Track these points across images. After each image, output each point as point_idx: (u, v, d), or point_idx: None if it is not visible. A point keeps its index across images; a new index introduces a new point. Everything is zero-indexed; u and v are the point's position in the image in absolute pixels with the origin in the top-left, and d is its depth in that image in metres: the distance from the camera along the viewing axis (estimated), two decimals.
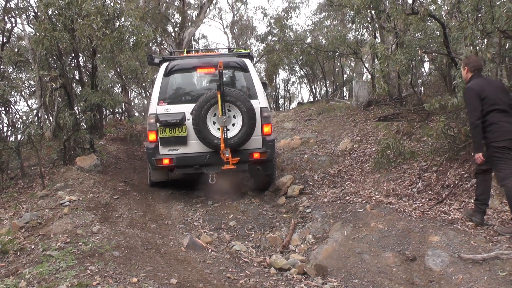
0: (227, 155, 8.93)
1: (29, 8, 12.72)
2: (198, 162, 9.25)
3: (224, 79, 8.98)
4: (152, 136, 9.23)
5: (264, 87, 10.22)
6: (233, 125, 9.08)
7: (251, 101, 9.11)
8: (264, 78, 30.64)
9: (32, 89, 14.58)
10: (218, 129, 8.90)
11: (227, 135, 8.91)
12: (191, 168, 9.36)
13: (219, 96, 8.72)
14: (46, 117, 13.51)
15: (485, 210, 6.98)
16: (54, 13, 10.70)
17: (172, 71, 9.57)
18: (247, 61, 9.83)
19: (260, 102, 9.39)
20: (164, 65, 9.68)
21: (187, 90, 9.73)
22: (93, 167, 10.53)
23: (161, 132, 9.17)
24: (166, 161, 9.17)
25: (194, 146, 9.24)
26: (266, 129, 9.37)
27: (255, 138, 9.24)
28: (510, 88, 7.77)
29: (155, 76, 19.69)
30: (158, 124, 9.16)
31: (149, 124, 9.25)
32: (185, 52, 12.05)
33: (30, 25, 13.18)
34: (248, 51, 10.66)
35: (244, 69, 9.64)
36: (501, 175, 6.57)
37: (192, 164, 9.29)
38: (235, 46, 15.46)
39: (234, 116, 9.07)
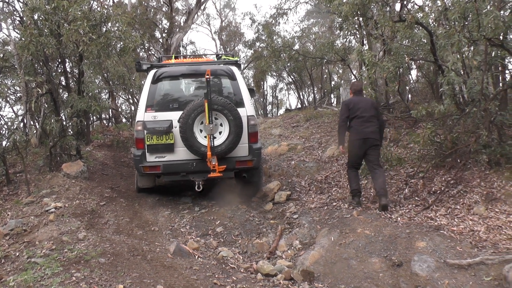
0: (213, 163, 8.98)
1: (15, 13, 12.68)
2: (185, 170, 9.30)
3: (212, 87, 9.00)
4: (139, 144, 9.26)
5: (251, 93, 10.43)
6: (220, 133, 9.14)
7: (238, 109, 9.20)
8: (252, 84, 30.67)
9: (18, 95, 14.52)
10: (205, 137, 8.95)
11: (213, 143, 8.96)
12: (178, 175, 9.41)
13: (206, 104, 8.78)
14: (32, 123, 13.43)
15: (360, 195, 8.92)
16: (40, 18, 10.64)
17: (159, 78, 9.61)
18: (234, 69, 9.93)
19: (247, 110, 9.48)
20: (152, 72, 9.72)
21: (174, 97, 9.74)
22: (80, 174, 10.47)
23: (148, 140, 9.20)
24: (153, 168, 9.23)
25: (181, 153, 9.28)
26: (253, 137, 9.47)
27: (241, 146, 9.32)
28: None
29: (142, 82, 19.69)
30: (145, 132, 9.18)
31: (137, 131, 9.27)
32: (173, 58, 11.90)
33: (16, 30, 13.12)
34: (236, 58, 10.85)
35: (232, 77, 9.72)
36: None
37: (179, 172, 9.34)
38: (223, 53, 15.58)
39: (221, 124, 9.13)
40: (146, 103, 9.39)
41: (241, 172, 9.88)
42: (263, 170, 10.96)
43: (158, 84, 9.61)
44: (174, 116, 9.25)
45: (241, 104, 9.50)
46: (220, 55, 12.04)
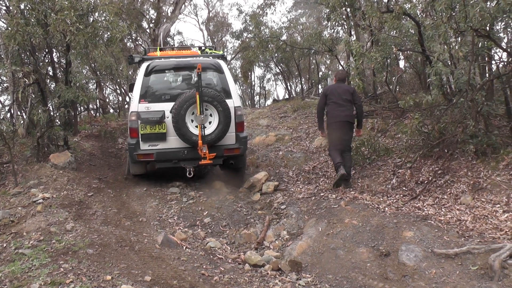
0: (204, 151, 9.52)
1: (1, 2, 12.58)
2: (177, 157, 9.82)
3: (203, 79, 9.57)
4: (133, 133, 9.71)
5: None
6: (210, 123, 9.68)
7: (226, 100, 9.75)
8: (240, 75, 30.60)
9: (5, 85, 14.42)
10: (196, 126, 9.53)
11: (204, 132, 9.49)
12: (170, 162, 9.91)
13: (197, 96, 9.30)
14: (19, 113, 13.34)
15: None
16: (27, 8, 10.56)
17: (152, 71, 10.01)
18: (222, 62, 10.47)
19: (234, 101, 10.04)
20: (144, 65, 10.14)
21: (166, 89, 10.20)
22: (67, 164, 10.43)
23: (142, 129, 9.66)
24: (146, 156, 9.72)
25: (173, 142, 9.79)
26: (239, 126, 10.09)
27: (229, 134, 9.88)
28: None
29: (130, 72, 19.64)
30: (139, 122, 9.64)
31: (131, 121, 9.74)
32: (158, 49, 12.11)
33: (2, 19, 13.01)
34: (222, 52, 11.45)
35: (219, 70, 10.27)
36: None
37: (171, 159, 9.85)
38: (210, 45, 15.68)
39: (210, 115, 9.68)
40: (139, 95, 9.79)
41: (228, 159, 10.35)
42: (246, 157, 11.36)
43: (151, 76, 9.99)
44: (166, 107, 9.68)
45: (228, 95, 10.00)
46: (204, 48, 12.59)
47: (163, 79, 10.44)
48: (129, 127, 9.85)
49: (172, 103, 9.62)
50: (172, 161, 9.90)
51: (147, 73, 9.96)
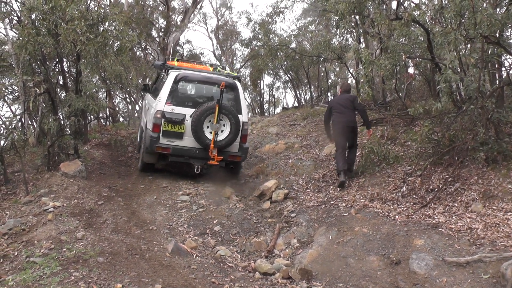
0: (214, 153, 10.90)
1: (12, 12, 12.63)
2: (189, 154, 11.14)
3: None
4: (156, 128, 10.96)
5: None
6: (222, 131, 11.02)
7: (238, 116, 11.09)
8: (249, 83, 30.63)
9: (16, 94, 14.48)
10: (211, 132, 10.89)
11: (217, 138, 10.89)
12: (182, 158, 11.24)
13: (217, 108, 10.69)
14: (29, 122, 13.38)
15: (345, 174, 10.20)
16: (38, 18, 10.63)
17: (181, 79, 11.40)
18: (238, 84, 11.91)
19: (243, 117, 11.41)
20: (174, 73, 11.44)
21: (189, 97, 11.65)
22: (78, 173, 10.47)
23: (164, 126, 10.96)
24: (164, 149, 11.03)
25: (188, 141, 11.09)
26: (244, 138, 11.51)
27: (235, 144, 11.27)
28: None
29: (139, 81, 19.69)
30: (163, 119, 10.93)
31: (155, 118, 10.98)
32: (176, 60, 13.27)
33: (13, 29, 13.06)
34: (237, 74, 12.95)
35: (235, 89, 11.68)
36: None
37: (184, 155, 11.18)
38: (219, 65, 16.67)
39: (224, 125, 11.02)
40: (166, 97, 11.10)
41: (230, 163, 11.74)
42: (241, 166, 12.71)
43: (179, 84, 11.37)
44: (188, 111, 11.01)
45: (239, 112, 11.35)
46: (216, 66, 13.92)
47: (189, 88, 11.96)
48: (153, 122, 11.00)
49: (193, 109, 10.91)
50: (185, 157, 11.20)
51: (176, 81, 11.27)
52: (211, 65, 14.28)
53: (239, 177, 12.41)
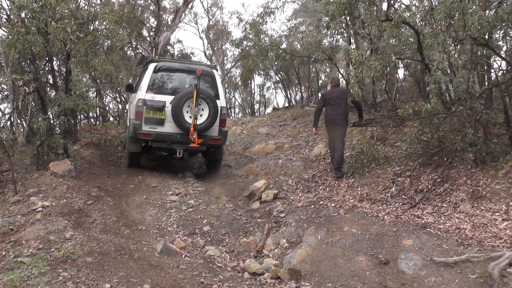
0: (194, 136, 11.33)
1: (1, 11, 12.60)
2: (171, 139, 11.62)
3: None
4: (138, 115, 11.45)
5: None
6: (201, 115, 11.52)
7: (216, 100, 11.67)
8: (239, 83, 30.65)
9: (5, 93, 14.40)
10: (190, 117, 11.34)
11: (196, 122, 11.37)
12: (165, 143, 11.72)
13: (195, 92, 11.19)
14: (19, 121, 13.32)
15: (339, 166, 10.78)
16: (28, 16, 10.59)
17: (160, 69, 12.02)
18: (215, 71, 12.62)
19: (221, 102, 11.98)
20: (153, 64, 12.07)
21: (169, 85, 12.15)
22: (67, 173, 10.44)
23: (146, 113, 11.45)
24: (147, 135, 11.44)
25: (169, 127, 11.56)
26: (223, 122, 12.02)
27: (214, 128, 11.74)
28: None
29: (130, 80, 19.67)
30: (144, 107, 11.44)
31: (137, 106, 11.49)
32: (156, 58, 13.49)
33: (3, 28, 13.02)
34: (215, 65, 13.49)
35: (213, 77, 12.34)
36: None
37: (166, 141, 11.64)
38: (201, 62, 17.38)
39: (202, 109, 11.51)
40: (147, 86, 11.68)
41: (211, 147, 12.15)
42: (223, 150, 13.40)
43: (158, 73, 11.99)
44: (167, 98, 11.56)
45: (217, 97, 11.92)
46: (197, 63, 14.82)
47: (167, 77, 12.28)
48: (135, 110, 11.53)
49: (172, 97, 11.48)
50: (167, 143, 11.67)
51: (155, 71, 11.90)
52: (191, 62, 14.85)
53: (226, 174, 12.64)
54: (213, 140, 11.77)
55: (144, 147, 12.19)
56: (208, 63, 14.93)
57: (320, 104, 11.53)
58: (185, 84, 12.17)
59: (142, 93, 11.66)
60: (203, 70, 11.85)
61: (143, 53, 13.36)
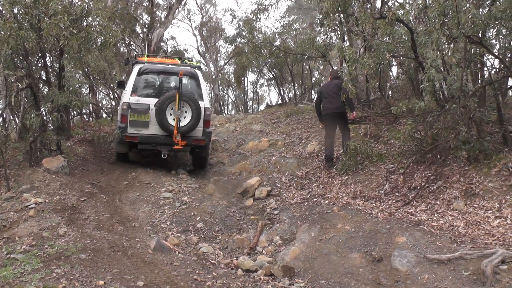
0: (177, 138, 11.56)
1: None
2: (156, 141, 11.85)
3: (182, 83, 11.53)
4: (123, 118, 11.73)
5: None
6: (185, 117, 11.72)
7: (199, 102, 11.83)
8: (233, 80, 30.63)
9: None
10: (174, 119, 11.57)
11: (179, 124, 11.56)
12: (150, 145, 11.96)
13: (177, 95, 11.38)
14: (11, 118, 13.26)
15: (332, 160, 11.20)
16: (20, 12, 10.53)
17: (143, 72, 12.23)
18: (198, 72, 12.84)
19: (205, 103, 12.18)
20: (137, 67, 12.36)
21: (153, 88, 12.46)
22: (60, 169, 10.40)
23: (130, 116, 11.72)
24: (132, 138, 11.71)
25: (154, 129, 11.78)
26: (207, 123, 12.17)
27: (198, 128, 11.94)
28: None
29: (123, 77, 19.63)
30: (129, 110, 11.71)
31: (122, 109, 11.80)
32: (146, 56, 14.24)
33: None
34: (199, 64, 14.11)
35: (196, 78, 12.56)
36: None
37: (151, 142, 11.88)
38: (189, 57, 17.47)
39: (186, 111, 11.71)
40: (131, 90, 11.92)
41: (196, 147, 12.40)
42: (209, 148, 13.50)
43: (142, 76, 12.21)
44: (152, 101, 11.76)
45: (200, 98, 12.12)
46: (183, 59, 15.04)
47: (151, 79, 12.67)
48: (120, 114, 11.87)
49: (156, 99, 11.67)
50: (152, 144, 11.90)
51: (139, 74, 12.14)
52: (179, 58, 15.14)
53: (220, 171, 12.82)
54: (197, 141, 12.03)
55: (131, 147, 12.53)
56: (199, 58, 14.96)
57: (317, 98, 11.85)
58: (169, 87, 12.41)
59: (127, 96, 11.92)
60: (186, 71, 12.26)
61: (127, 56, 13.60)
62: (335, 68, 20.03)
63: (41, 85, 13.16)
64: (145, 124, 11.78)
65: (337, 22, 14.62)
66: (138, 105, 11.74)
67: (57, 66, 13.10)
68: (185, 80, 12.22)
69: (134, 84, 12.02)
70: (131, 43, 26.58)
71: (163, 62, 14.01)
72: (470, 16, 7.53)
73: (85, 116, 21.99)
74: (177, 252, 7.24)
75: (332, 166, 11.03)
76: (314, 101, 12.65)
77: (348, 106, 11.29)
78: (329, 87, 11.45)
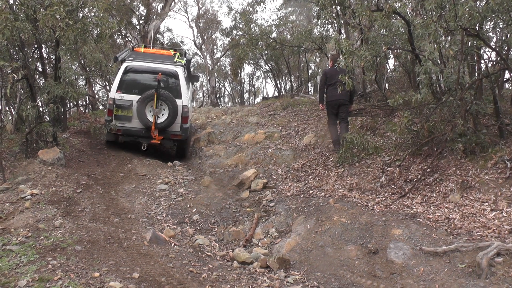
0: (155, 134, 12.48)
1: None
2: (137, 134, 12.85)
3: (162, 82, 12.46)
4: (109, 113, 12.76)
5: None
6: (162, 115, 12.64)
7: (176, 100, 12.71)
8: (229, 72, 30.58)
9: None
10: (152, 116, 12.38)
11: (157, 121, 12.46)
12: (132, 137, 12.99)
13: (155, 95, 12.22)
14: (7, 109, 13.27)
15: (339, 144, 11.04)
16: (16, 3, 10.51)
17: (129, 70, 13.13)
18: (179, 71, 13.55)
19: (183, 101, 13.00)
20: (124, 65, 13.21)
21: (136, 85, 13.15)
22: (56, 161, 10.38)
23: (115, 111, 12.69)
24: (116, 130, 12.66)
25: (136, 123, 12.72)
26: (184, 120, 13.04)
27: (176, 124, 12.82)
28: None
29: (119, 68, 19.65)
30: (114, 105, 12.64)
31: (109, 104, 12.87)
32: (143, 47, 15.40)
33: None
34: (184, 62, 14.52)
35: (176, 77, 13.32)
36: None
37: (133, 135, 12.90)
38: (179, 49, 17.28)
39: (163, 109, 12.62)
40: (117, 86, 12.86)
41: (174, 141, 13.42)
42: (189, 142, 14.51)
43: (127, 74, 13.09)
44: (135, 98, 12.60)
45: (179, 96, 12.95)
46: (178, 50, 15.85)
47: (136, 77, 13.31)
48: (107, 108, 12.99)
49: (139, 96, 12.45)
50: (134, 137, 12.91)
51: (125, 72, 13.03)
52: (174, 49, 16.06)
53: (216, 163, 13.02)
54: (174, 136, 13.04)
55: (117, 137, 13.44)
56: (196, 50, 15.42)
57: (322, 81, 12.03)
58: (151, 85, 12.86)
59: (113, 92, 12.92)
60: (167, 71, 13.21)
61: (115, 55, 14.49)
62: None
63: (37, 76, 13.13)
64: (128, 118, 12.78)
65: (333, 15, 14.63)
66: (122, 101, 12.71)
67: (53, 58, 13.11)
68: (166, 79, 13.14)
69: (120, 81, 12.93)
70: (128, 34, 26.53)
71: (158, 54, 15.14)
72: (467, 9, 7.52)
73: (81, 108, 21.96)
74: (172, 244, 7.25)
75: (339, 150, 10.91)
76: (318, 83, 12.78)
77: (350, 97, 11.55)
78: (335, 75, 11.19)
